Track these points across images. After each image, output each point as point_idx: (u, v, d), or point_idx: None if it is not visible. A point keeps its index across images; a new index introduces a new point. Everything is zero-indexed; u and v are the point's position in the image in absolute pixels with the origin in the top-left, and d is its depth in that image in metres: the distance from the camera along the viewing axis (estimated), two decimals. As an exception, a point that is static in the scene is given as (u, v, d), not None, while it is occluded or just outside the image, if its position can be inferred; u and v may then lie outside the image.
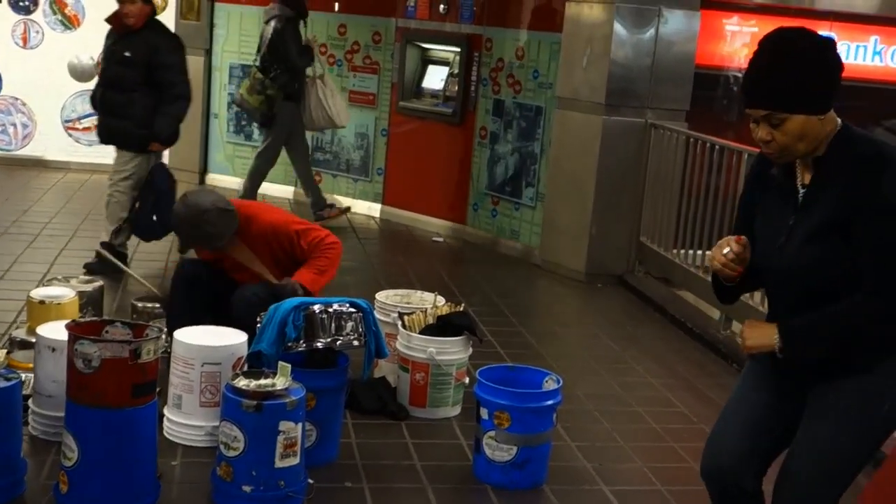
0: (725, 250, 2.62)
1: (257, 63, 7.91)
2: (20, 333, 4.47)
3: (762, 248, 2.66)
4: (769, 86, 2.48)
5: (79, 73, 9.55)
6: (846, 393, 2.57)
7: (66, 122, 9.68)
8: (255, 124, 8.74)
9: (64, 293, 4.62)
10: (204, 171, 9.67)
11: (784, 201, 2.62)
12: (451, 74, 8.28)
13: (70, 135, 9.72)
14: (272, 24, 7.79)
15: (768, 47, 2.51)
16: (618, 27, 6.78)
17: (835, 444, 2.58)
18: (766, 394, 2.74)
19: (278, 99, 7.78)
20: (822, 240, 2.50)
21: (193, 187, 9.45)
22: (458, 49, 8.12)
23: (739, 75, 7.87)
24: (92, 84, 9.48)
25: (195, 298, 4.45)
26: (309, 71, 7.90)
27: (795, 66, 2.46)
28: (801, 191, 2.59)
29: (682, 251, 6.53)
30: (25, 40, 9.52)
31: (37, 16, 9.54)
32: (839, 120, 2.55)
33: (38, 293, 4.60)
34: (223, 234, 4.50)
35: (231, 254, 4.60)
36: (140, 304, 5.02)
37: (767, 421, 2.73)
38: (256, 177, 8.11)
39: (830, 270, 2.51)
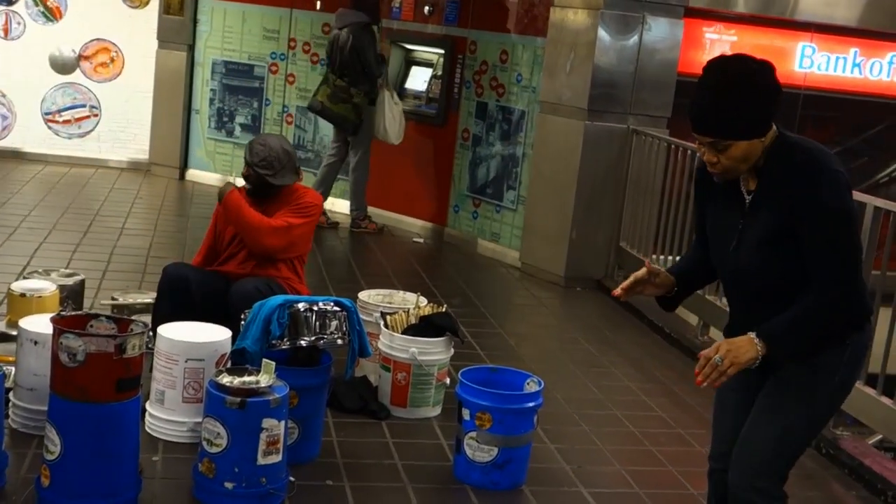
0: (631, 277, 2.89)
1: (332, 71, 7.86)
2: (0, 326, 4.45)
3: (716, 251, 2.86)
4: (714, 117, 2.63)
5: (60, 65, 9.55)
6: (801, 370, 2.73)
7: (46, 114, 9.62)
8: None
9: (45, 286, 4.61)
10: (184, 166, 9.63)
11: (731, 206, 2.78)
12: (434, 76, 8.31)
13: (50, 127, 9.65)
14: (346, 30, 7.74)
15: (711, 80, 2.63)
16: (602, 33, 6.83)
17: (792, 414, 2.75)
18: (736, 404, 2.91)
19: (364, 106, 7.79)
20: (771, 243, 2.67)
21: (174, 184, 9.44)
22: (442, 51, 8.15)
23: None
24: (74, 77, 9.57)
25: (181, 302, 4.41)
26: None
27: (738, 99, 2.60)
28: (747, 197, 2.74)
29: (662, 257, 6.57)
30: (7, 31, 9.45)
31: (19, 7, 9.47)
32: (775, 127, 2.69)
33: (19, 286, 4.59)
34: (297, 174, 4.74)
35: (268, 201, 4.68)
36: (121, 299, 5.02)
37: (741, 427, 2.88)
38: (362, 190, 8.10)
39: (781, 270, 2.68)
